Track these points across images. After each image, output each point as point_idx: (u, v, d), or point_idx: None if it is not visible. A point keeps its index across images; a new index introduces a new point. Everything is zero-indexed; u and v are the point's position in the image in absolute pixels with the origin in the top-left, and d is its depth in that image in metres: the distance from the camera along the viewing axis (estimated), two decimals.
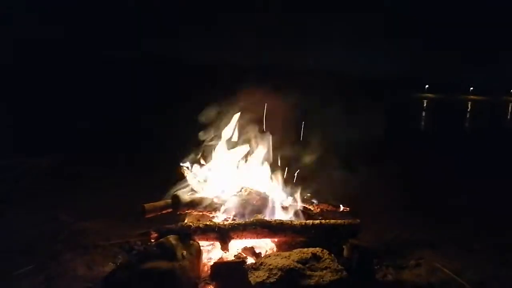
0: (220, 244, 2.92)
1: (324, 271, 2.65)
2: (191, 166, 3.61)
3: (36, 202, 4.69)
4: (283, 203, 3.44)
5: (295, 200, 3.54)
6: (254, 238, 3.01)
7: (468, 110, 36.14)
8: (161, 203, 3.40)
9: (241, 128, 3.67)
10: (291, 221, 3.13)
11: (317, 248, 2.81)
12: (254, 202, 3.28)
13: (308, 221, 3.12)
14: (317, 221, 3.11)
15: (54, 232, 3.89)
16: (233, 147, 3.64)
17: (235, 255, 2.96)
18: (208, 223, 2.99)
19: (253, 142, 3.67)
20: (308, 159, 3.88)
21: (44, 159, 6.31)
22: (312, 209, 3.54)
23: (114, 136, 8.92)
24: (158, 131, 9.47)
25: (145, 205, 3.29)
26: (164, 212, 3.39)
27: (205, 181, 3.52)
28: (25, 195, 4.92)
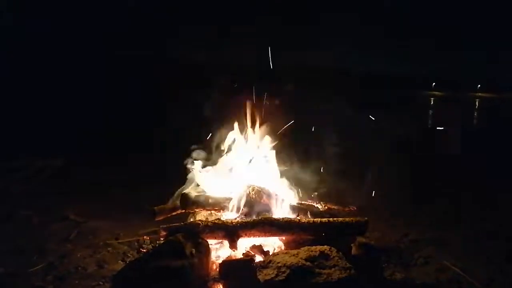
0: (229, 242, 2.94)
1: (333, 269, 2.65)
2: (199, 166, 3.63)
3: (46, 202, 4.74)
4: (291, 202, 3.45)
5: (302, 198, 3.56)
6: (262, 236, 3.03)
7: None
8: (170, 205, 3.46)
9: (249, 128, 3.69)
10: (298, 219, 3.14)
11: (325, 246, 2.81)
12: (262, 201, 3.30)
13: (315, 219, 3.13)
14: (324, 219, 3.11)
15: (64, 232, 3.94)
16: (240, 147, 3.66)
17: (243, 253, 2.98)
18: (216, 221, 3.01)
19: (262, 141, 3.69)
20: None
21: (56, 159, 6.37)
22: (319, 207, 3.55)
23: (121, 137, 8.95)
24: (164, 131, 9.49)
25: (155, 207, 3.36)
26: (173, 213, 3.45)
27: (213, 180, 3.54)
28: (36, 195, 4.98)
